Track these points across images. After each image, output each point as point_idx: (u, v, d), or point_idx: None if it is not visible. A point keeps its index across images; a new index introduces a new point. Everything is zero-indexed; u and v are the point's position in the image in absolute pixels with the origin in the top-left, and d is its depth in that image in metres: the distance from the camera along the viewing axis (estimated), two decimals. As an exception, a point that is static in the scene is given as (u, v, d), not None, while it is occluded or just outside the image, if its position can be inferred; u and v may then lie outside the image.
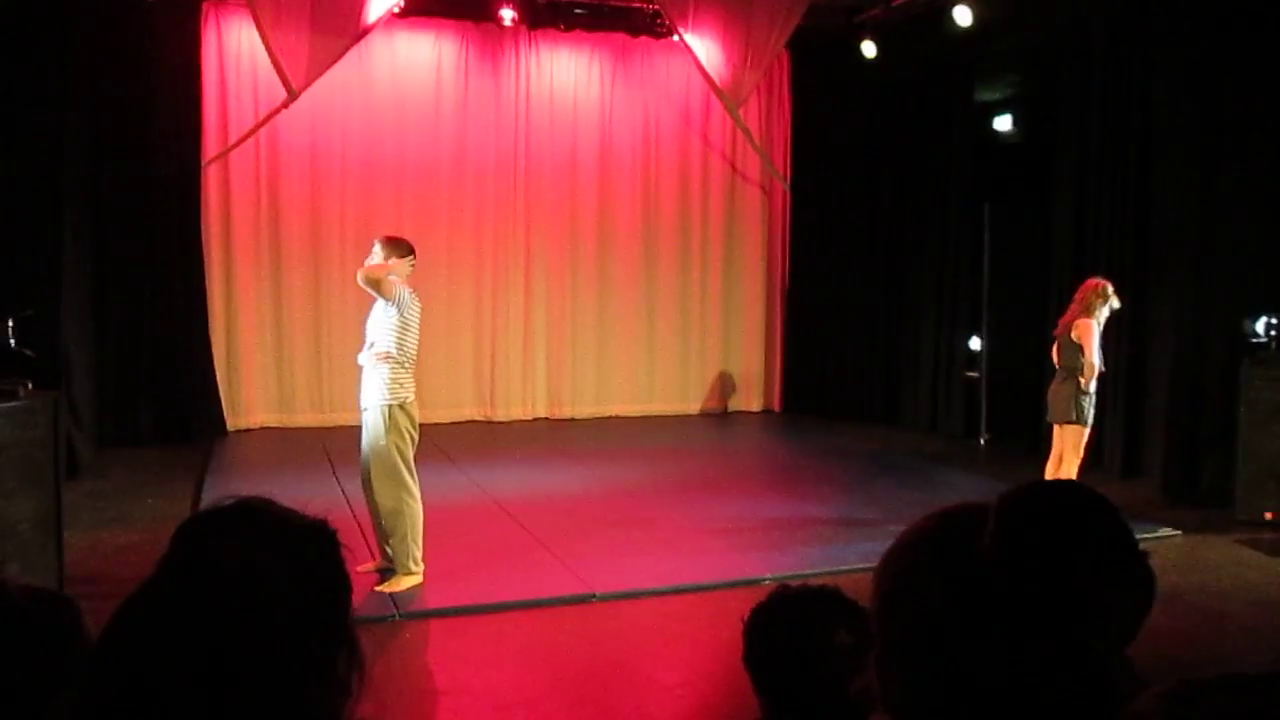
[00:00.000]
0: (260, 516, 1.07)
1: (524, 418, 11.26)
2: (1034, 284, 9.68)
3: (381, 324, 5.65)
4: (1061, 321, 6.90)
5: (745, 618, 1.89)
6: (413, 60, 10.81)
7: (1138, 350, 8.58)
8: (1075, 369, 6.71)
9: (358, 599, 1.22)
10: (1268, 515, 7.12)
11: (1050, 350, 7.10)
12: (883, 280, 11.64)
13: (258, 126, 9.85)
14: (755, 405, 12.19)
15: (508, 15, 10.61)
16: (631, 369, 11.70)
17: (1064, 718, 0.92)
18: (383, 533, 5.78)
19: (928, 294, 11.11)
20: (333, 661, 1.03)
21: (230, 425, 10.19)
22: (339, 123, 10.52)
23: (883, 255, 11.65)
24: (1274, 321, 7.30)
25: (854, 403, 11.66)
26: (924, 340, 11.19)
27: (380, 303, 5.64)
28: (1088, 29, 9.10)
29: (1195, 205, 8.02)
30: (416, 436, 5.77)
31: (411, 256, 5.73)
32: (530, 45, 11.12)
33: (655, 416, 11.57)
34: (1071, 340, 6.74)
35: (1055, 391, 6.87)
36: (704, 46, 10.15)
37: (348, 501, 6.98)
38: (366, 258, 5.75)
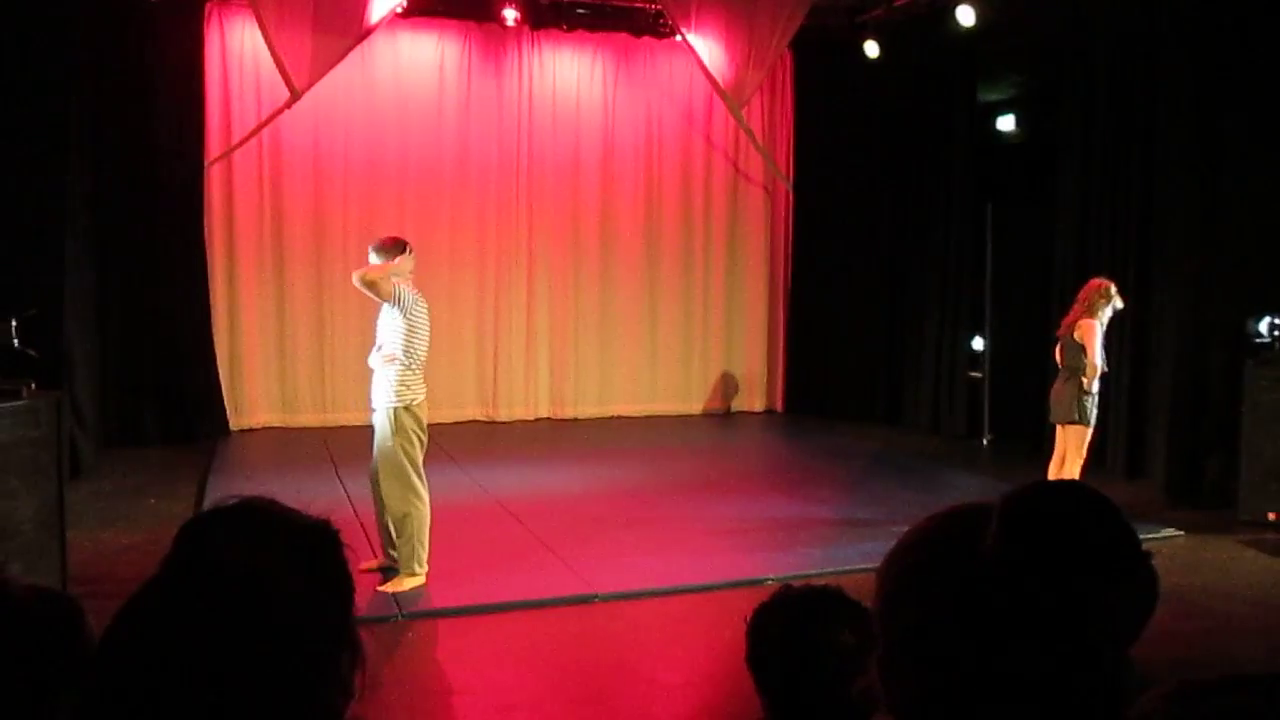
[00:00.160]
0: (263, 517, 1.07)
1: (526, 418, 11.27)
2: (1036, 284, 9.68)
3: (389, 326, 5.63)
4: (1064, 322, 6.89)
5: (748, 618, 1.89)
6: (415, 60, 10.81)
7: (1140, 350, 8.57)
8: (1078, 369, 6.70)
9: (360, 599, 1.22)
10: (1271, 516, 7.12)
11: (1053, 350, 7.09)
12: (885, 280, 11.63)
13: (260, 126, 9.85)
14: (758, 405, 12.19)
15: (510, 15, 10.61)
16: (634, 369, 11.70)
17: (1067, 719, 0.92)
18: (386, 531, 5.78)
19: (930, 294, 11.10)
20: (335, 661, 1.03)
21: (233, 425, 10.21)
22: (342, 123, 10.52)
23: (885, 255, 11.64)
24: (1277, 322, 7.30)
25: (856, 403, 11.65)
26: (926, 340, 11.17)
27: (386, 304, 5.64)
28: (1090, 29, 9.09)
29: (1198, 205, 8.01)
30: (425, 438, 5.73)
31: (409, 252, 5.68)
32: (533, 45, 11.12)
33: (658, 417, 11.56)
34: (1074, 340, 6.73)
35: (1058, 392, 6.86)
36: (707, 47, 10.16)
37: (350, 502, 6.99)
38: (365, 264, 5.74)
